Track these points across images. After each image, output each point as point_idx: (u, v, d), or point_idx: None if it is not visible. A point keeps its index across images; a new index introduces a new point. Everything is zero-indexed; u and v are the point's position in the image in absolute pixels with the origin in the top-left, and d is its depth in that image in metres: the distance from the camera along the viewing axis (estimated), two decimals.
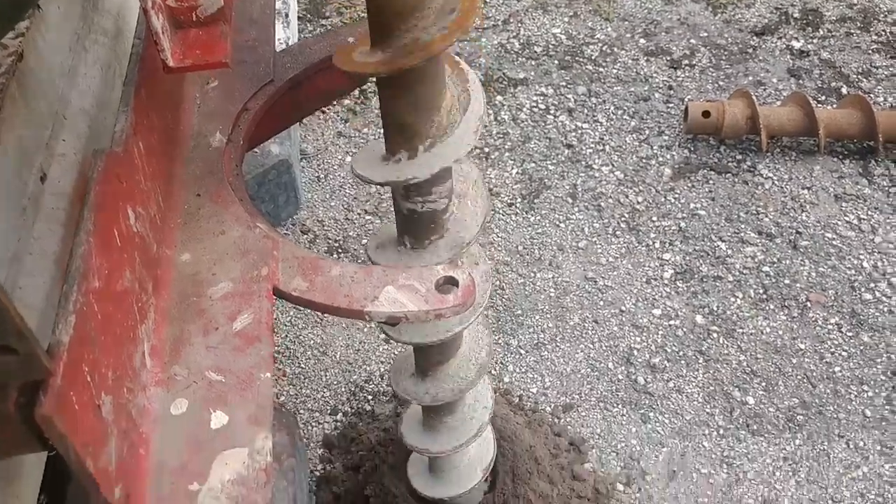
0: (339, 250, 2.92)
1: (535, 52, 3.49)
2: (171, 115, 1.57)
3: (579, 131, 3.22)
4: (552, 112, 3.29)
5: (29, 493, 1.21)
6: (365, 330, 2.71)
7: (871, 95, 3.21)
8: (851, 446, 2.36)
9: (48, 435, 0.89)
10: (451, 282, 1.32)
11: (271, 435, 1.14)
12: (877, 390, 2.46)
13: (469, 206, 1.43)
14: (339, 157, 3.19)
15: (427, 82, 1.18)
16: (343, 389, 2.58)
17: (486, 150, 3.18)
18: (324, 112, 3.31)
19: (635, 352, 2.60)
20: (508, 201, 3.03)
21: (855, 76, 3.30)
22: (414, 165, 1.25)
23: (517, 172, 3.11)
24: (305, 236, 2.96)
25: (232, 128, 1.57)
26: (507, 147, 3.19)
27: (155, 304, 1.27)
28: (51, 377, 0.89)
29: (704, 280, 2.75)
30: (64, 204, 1.28)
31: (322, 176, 3.13)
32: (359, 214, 3.03)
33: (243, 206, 1.43)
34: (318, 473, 2.38)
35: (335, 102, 3.31)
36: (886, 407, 2.43)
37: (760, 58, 3.40)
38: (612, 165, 3.11)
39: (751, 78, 3.34)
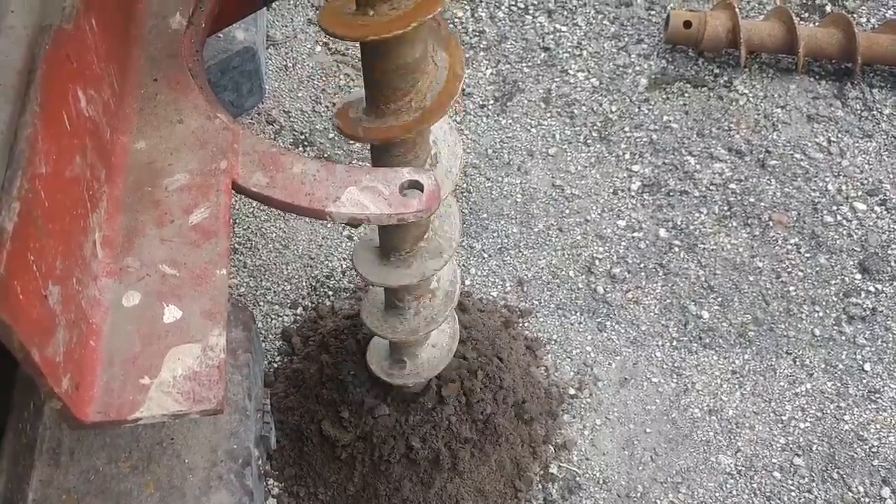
0: (306, 143, 2.85)
1: None
2: None
3: (557, 34, 3.13)
4: (531, 12, 3.18)
5: None
6: (328, 226, 2.68)
7: (855, 16, 3.15)
8: (798, 363, 2.43)
9: None
10: (416, 185, 1.29)
11: (225, 332, 1.13)
12: (827, 311, 2.52)
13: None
14: (309, 45, 3.08)
15: None
16: (304, 284, 2.57)
17: (461, 47, 3.08)
18: None
19: (597, 261, 2.61)
20: (480, 102, 2.97)
21: None
22: None
23: (491, 73, 3.04)
24: (271, 126, 2.88)
25: (193, 9, 1.49)
26: (482, 46, 3.10)
27: (108, 193, 1.22)
28: None
29: (671, 194, 2.75)
30: (12, 80, 1.22)
31: (290, 65, 3.03)
32: (326, 107, 2.94)
33: (203, 94, 1.37)
34: (275, 365, 2.40)
35: None
36: (835, 328, 2.49)
37: None
38: (589, 72, 3.05)
39: None
